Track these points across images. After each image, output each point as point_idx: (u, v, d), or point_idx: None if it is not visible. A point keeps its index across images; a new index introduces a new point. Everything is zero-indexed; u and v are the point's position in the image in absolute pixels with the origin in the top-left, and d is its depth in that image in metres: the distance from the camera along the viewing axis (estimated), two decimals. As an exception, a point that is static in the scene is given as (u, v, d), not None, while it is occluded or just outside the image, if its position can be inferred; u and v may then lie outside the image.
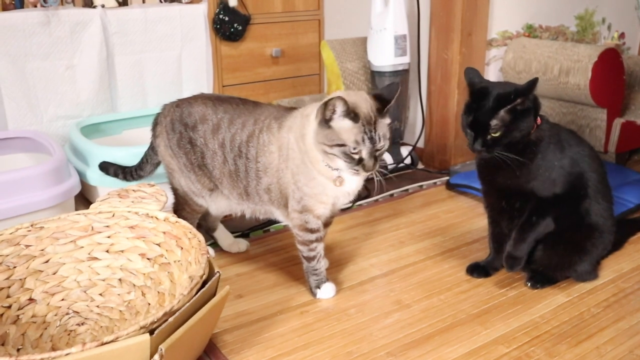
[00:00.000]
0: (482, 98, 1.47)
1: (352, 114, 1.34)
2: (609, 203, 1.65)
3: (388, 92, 1.42)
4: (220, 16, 2.73)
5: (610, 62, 2.34)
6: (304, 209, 1.52)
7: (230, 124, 1.57)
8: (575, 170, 1.56)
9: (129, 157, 1.90)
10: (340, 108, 1.33)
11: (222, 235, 1.88)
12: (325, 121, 1.36)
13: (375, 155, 1.38)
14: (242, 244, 1.88)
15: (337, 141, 1.35)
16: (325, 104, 1.35)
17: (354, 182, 1.48)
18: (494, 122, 1.45)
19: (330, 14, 3.07)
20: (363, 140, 1.35)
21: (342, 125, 1.35)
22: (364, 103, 1.38)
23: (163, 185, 1.69)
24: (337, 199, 1.52)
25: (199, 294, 1.19)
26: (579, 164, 1.57)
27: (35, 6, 2.23)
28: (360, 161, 1.37)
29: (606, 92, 2.38)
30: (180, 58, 2.63)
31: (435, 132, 2.62)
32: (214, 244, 1.90)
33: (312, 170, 1.46)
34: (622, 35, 3.14)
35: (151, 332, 1.07)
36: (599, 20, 3.00)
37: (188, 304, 1.15)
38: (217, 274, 1.28)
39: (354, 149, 1.35)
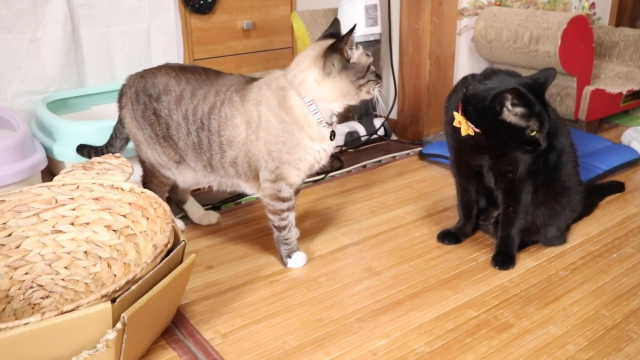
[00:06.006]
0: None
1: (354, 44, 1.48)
2: (575, 163, 1.66)
3: (335, 29, 1.56)
4: (189, -12, 2.66)
5: (579, 29, 2.34)
6: (278, 177, 1.51)
7: (193, 95, 1.55)
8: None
9: (96, 130, 1.86)
10: (354, 40, 1.46)
11: (192, 207, 1.86)
12: (347, 62, 1.45)
13: None
14: (212, 216, 1.87)
15: (365, 68, 1.48)
16: (338, 51, 1.43)
17: (334, 141, 1.56)
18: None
19: (302, -15, 3.02)
20: (370, 55, 1.50)
21: (357, 55, 1.47)
22: None
23: (132, 159, 1.66)
24: (317, 162, 1.54)
25: (163, 262, 1.18)
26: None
27: (-5, -23, 2.16)
28: (377, 74, 1.52)
29: (575, 60, 2.39)
30: (148, 31, 2.57)
31: (408, 103, 2.60)
32: (185, 217, 1.88)
33: (299, 136, 1.47)
34: (592, 5, 3.15)
35: (113, 301, 1.05)
36: (570, -11, 3.00)
37: (152, 272, 1.14)
38: (183, 243, 1.26)
39: (371, 65, 1.49)
